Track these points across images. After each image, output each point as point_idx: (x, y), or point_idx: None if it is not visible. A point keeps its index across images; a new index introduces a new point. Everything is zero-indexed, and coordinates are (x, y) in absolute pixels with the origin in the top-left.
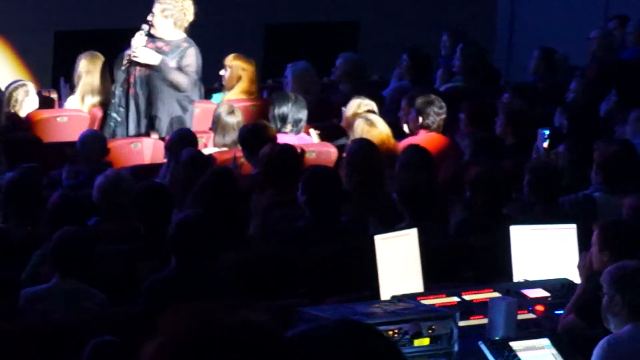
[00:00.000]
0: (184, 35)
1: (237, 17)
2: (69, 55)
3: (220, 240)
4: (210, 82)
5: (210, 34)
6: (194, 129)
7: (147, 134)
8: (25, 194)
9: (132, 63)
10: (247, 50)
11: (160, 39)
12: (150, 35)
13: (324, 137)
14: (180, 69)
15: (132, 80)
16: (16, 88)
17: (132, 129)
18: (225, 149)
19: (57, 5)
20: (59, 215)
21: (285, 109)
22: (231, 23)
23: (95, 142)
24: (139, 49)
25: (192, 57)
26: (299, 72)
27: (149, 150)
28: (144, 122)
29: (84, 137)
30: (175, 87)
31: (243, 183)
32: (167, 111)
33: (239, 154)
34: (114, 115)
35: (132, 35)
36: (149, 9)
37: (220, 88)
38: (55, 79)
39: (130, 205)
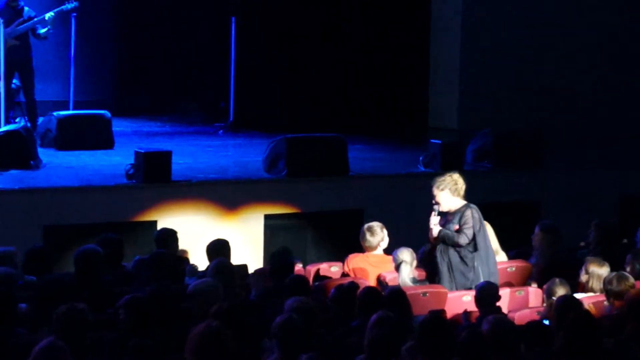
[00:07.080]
0: (463, 202)
1: (591, 187)
2: None
3: None
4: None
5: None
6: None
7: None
8: None
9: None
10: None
11: (447, 211)
12: (440, 213)
13: None
14: (460, 229)
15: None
16: None
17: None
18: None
19: None
20: None
21: None
22: (585, 194)
23: (490, 289)
24: (433, 228)
25: (467, 217)
26: None
27: (532, 297)
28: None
29: (479, 287)
30: (456, 245)
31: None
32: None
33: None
34: None
35: None
36: None
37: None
38: None
39: None
